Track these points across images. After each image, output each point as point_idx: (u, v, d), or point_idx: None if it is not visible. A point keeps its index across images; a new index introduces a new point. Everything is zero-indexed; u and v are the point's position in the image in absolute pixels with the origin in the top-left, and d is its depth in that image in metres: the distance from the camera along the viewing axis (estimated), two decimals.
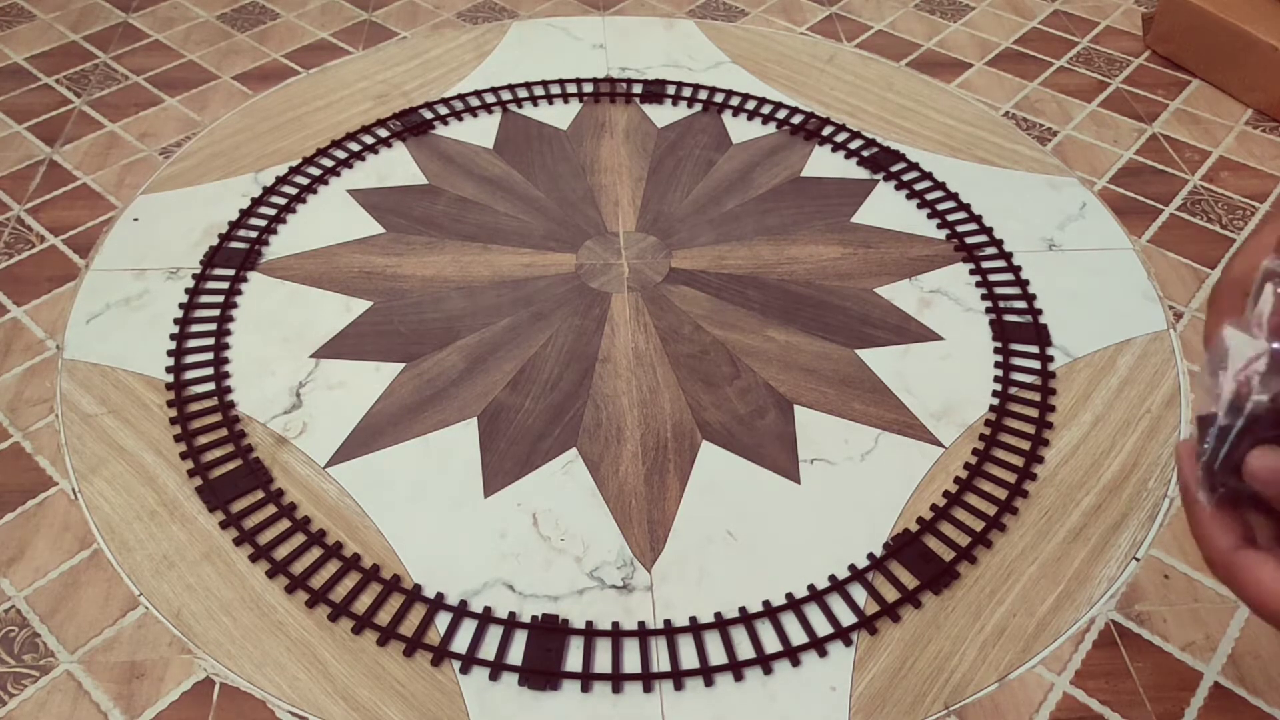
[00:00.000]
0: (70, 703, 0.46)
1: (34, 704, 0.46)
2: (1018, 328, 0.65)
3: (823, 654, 0.48)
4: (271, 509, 0.54)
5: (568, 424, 0.59)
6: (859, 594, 0.50)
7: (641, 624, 0.49)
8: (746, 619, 0.49)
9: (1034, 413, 0.59)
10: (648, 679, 0.47)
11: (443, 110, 0.82)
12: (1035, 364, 0.63)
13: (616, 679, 0.47)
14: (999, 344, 0.64)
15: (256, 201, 0.73)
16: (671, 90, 0.85)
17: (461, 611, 0.49)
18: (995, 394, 0.61)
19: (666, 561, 0.52)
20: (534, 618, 0.49)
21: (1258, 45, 0.83)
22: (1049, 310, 0.67)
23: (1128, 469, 0.57)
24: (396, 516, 0.54)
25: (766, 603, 0.50)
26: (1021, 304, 0.67)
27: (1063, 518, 0.54)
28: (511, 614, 0.49)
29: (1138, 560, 0.52)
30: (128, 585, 0.50)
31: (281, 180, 0.75)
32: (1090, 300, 0.68)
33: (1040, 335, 0.64)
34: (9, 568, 0.51)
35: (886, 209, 0.75)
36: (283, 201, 0.74)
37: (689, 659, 0.48)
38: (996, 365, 0.63)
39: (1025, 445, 0.58)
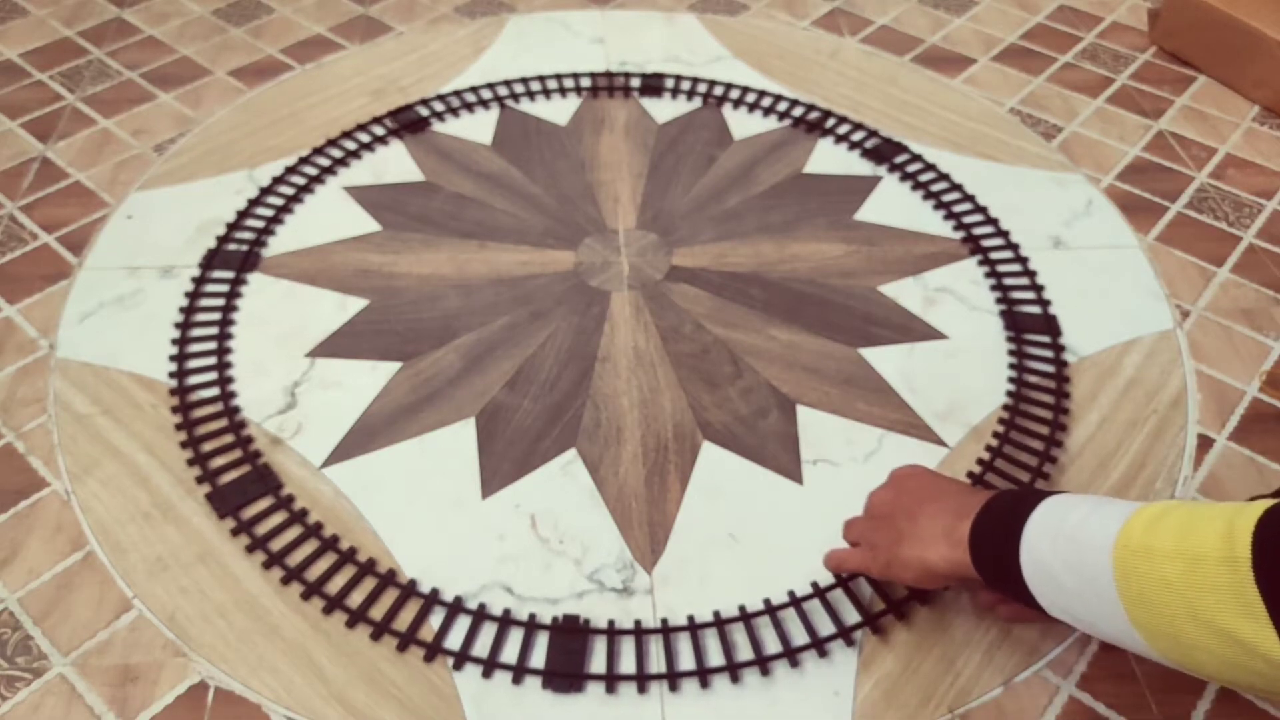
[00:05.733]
0: (64, 706, 0.45)
1: (27, 707, 0.45)
2: (1029, 319, 0.64)
3: (823, 654, 0.47)
4: (273, 505, 0.53)
5: (567, 424, 0.58)
6: (865, 593, 0.50)
7: (663, 621, 0.48)
8: (747, 618, 0.49)
9: (1048, 414, 0.58)
10: (642, 679, 0.46)
11: (439, 107, 0.81)
12: (1049, 367, 0.61)
13: (613, 679, 0.46)
14: (1011, 333, 0.63)
15: (253, 202, 0.72)
16: (670, 84, 0.84)
17: (457, 608, 0.49)
18: (1009, 394, 0.60)
19: (667, 564, 0.51)
20: (555, 619, 0.48)
21: (1265, 41, 0.82)
22: (1056, 308, 0.66)
23: (1135, 469, 0.56)
24: (393, 518, 0.53)
25: (767, 601, 0.49)
26: (1031, 295, 0.66)
27: None
28: (507, 611, 0.49)
29: None
30: (121, 588, 0.50)
31: (278, 180, 0.74)
32: (1097, 298, 0.67)
33: (1052, 332, 0.63)
34: (1, 570, 0.51)
35: (890, 206, 0.74)
36: (280, 202, 0.73)
37: (688, 661, 0.47)
38: (1010, 365, 0.61)
39: (1039, 445, 0.57)
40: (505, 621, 0.48)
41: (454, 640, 0.47)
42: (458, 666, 0.46)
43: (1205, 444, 0.58)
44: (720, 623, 0.48)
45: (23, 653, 0.47)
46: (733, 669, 0.46)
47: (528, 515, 0.53)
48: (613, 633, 0.48)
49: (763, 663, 0.47)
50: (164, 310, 0.65)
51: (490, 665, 0.46)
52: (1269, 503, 0.30)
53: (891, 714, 0.45)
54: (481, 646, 0.47)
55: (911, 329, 0.64)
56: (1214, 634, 0.29)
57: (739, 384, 0.60)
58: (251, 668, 0.47)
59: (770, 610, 0.49)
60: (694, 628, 0.48)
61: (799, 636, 0.48)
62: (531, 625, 0.48)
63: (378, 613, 0.48)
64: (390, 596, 0.49)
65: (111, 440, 0.57)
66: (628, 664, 0.47)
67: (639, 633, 0.48)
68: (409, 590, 0.49)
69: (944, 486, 0.46)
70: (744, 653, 0.47)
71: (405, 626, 0.48)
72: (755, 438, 0.57)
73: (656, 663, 0.47)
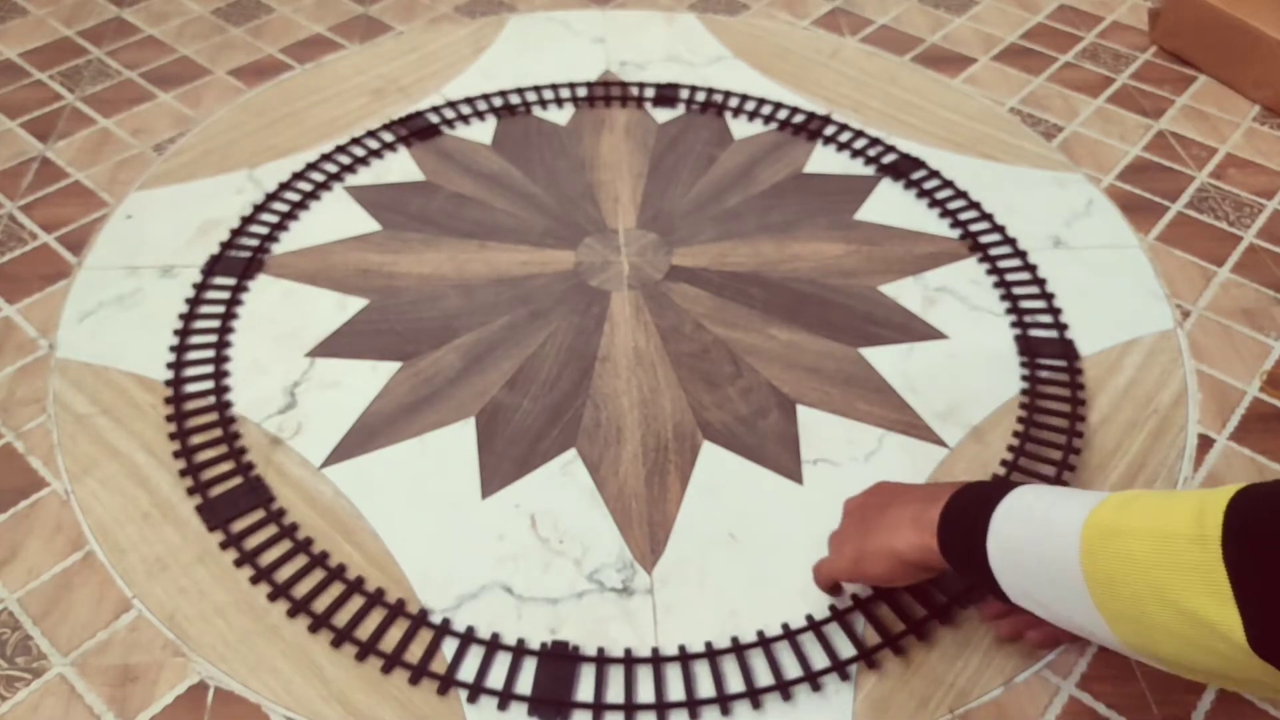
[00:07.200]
0: (63, 706, 0.45)
1: (27, 707, 0.45)
2: (1044, 342, 0.62)
3: (817, 687, 0.46)
4: (273, 528, 0.52)
5: (567, 424, 0.58)
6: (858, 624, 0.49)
7: (654, 650, 0.48)
8: (739, 649, 0.47)
9: (1063, 423, 0.57)
10: (661, 708, 0.45)
11: (450, 114, 0.80)
12: (1060, 361, 0.60)
13: (600, 708, 0.45)
14: (1024, 357, 0.61)
15: (258, 208, 0.72)
16: (681, 94, 0.83)
17: (444, 629, 0.48)
18: (1022, 403, 0.58)
19: (667, 564, 0.51)
20: (544, 645, 0.47)
21: (1265, 41, 0.82)
22: (1056, 309, 0.66)
23: (1135, 470, 0.56)
24: (392, 518, 0.53)
25: (760, 633, 0.47)
26: (1041, 304, 0.65)
27: None
28: (495, 636, 0.48)
29: None
30: (120, 588, 0.50)
31: (284, 186, 0.73)
32: (1097, 299, 0.67)
33: (1068, 351, 0.61)
34: (1, 569, 0.51)
35: (890, 205, 0.74)
36: (284, 208, 0.72)
37: (678, 691, 0.46)
38: (1023, 379, 0.60)
39: (1056, 455, 0.55)
40: (494, 646, 0.47)
41: (461, 669, 0.46)
42: (472, 699, 0.45)
43: (1205, 444, 0.58)
44: (713, 653, 0.47)
45: (22, 653, 0.47)
46: (722, 699, 0.45)
47: (528, 515, 0.53)
48: (601, 660, 0.47)
49: (754, 695, 0.45)
50: (164, 310, 0.65)
51: (485, 692, 0.45)
52: (1244, 484, 0.30)
53: (891, 714, 0.45)
54: (468, 671, 0.46)
55: (911, 329, 0.64)
56: (1177, 614, 0.29)
57: (739, 384, 0.60)
58: (251, 668, 0.47)
59: (763, 642, 0.47)
60: (685, 659, 0.46)
61: (791, 669, 0.46)
62: (520, 651, 0.47)
63: (371, 635, 0.47)
64: (400, 627, 0.47)
65: (111, 440, 0.56)
66: (615, 693, 0.46)
67: (628, 661, 0.46)
68: (403, 612, 0.48)
69: (916, 486, 0.45)
70: (735, 683, 0.46)
71: (407, 653, 0.47)
72: (755, 438, 0.57)
73: (645, 692, 0.45)
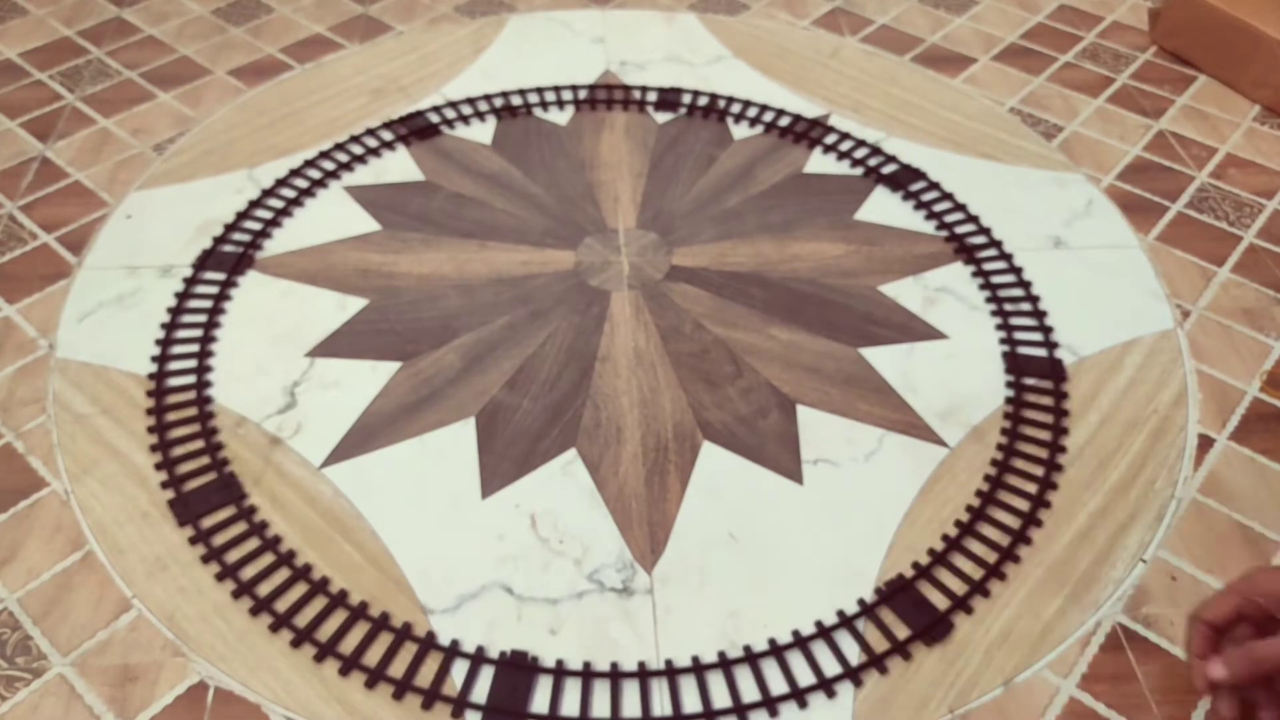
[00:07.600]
0: (63, 706, 0.45)
1: (27, 707, 0.45)
2: (1031, 361, 0.61)
3: (823, 688, 0.47)
4: (243, 524, 0.51)
5: (567, 424, 0.58)
6: (868, 605, 0.49)
7: (613, 665, 0.48)
8: (751, 658, 0.48)
9: (1047, 436, 0.57)
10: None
11: (449, 114, 0.80)
12: (1049, 400, 0.59)
13: None
14: (1010, 376, 0.60)
15: (254, 204, 0.72)
16: (683, 99, 0.82)
17: (481, 659, 0.47)
18: (1006, 416, 0.58)
19: (667, 564, 0.51)
20: (502, 653, 0.46)
21: (1265, 41, 0.82)
22: (1055, 309, 0.66)
23: (1135, 469, 0.56)
24: (393, 518, 0.53)
25: (721, 654, 0.47)
26: (1032, 321, 0.64)
27: (1069, 520, 0.54)
28: (450, 640, 0.48)
29: (1145, 562, 0.52)
30: (120, 587, 0.50)
31: (281, 183, 0.73)
32: (1097, 298, 0.67)
33: (1055, 369, 0.60)
34: (1, 569, 0.51)
35: (890, 206, 0.74)
36: (280, 205, 0.72)
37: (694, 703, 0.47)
38: (1007, 401, 0.59)
39: (1039, 470, 0.55)
40: (453, 652, 0.46)
41: (417, 676, 0.45)
42: (426, 707, 0.44)
43: (1205, 444, 0.58)
44: (724, 663, 0.46)
45: (22, 653, 0.47)
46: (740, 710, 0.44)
47: (528, 515, 0.53)
48: (559, 673, 0.46)
49: (769, 703, 0.45)
50: (163, 310, 0.65)
51: (440, 699, 0.45)
52: None
53: (892, 714, 0.45)
54: (422, 676, 0.45)
55: (911, 329, 0.64)
56: None
57: (739, 384, 0.60)
58: (251, 667, 0.47)
59: (724, 664, 0.47)
60: (699, 669, 0.46)
61: (790, 677, 0.46)
62: (479, 659, 0.46)
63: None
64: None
65: (110, 440, 0.56)
66: (571, 705, 0.45)
67: (586, 675, 0.46)
68: (365, 615, 0.48)
69: None
70: (748, 689, 0.45)
71: (366, 656, 0.46)
72: (755, 438, 0.57)
73: (600, 706, 0.45)
